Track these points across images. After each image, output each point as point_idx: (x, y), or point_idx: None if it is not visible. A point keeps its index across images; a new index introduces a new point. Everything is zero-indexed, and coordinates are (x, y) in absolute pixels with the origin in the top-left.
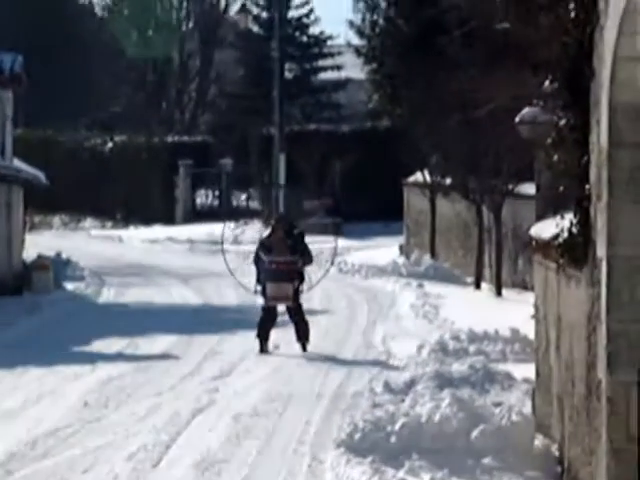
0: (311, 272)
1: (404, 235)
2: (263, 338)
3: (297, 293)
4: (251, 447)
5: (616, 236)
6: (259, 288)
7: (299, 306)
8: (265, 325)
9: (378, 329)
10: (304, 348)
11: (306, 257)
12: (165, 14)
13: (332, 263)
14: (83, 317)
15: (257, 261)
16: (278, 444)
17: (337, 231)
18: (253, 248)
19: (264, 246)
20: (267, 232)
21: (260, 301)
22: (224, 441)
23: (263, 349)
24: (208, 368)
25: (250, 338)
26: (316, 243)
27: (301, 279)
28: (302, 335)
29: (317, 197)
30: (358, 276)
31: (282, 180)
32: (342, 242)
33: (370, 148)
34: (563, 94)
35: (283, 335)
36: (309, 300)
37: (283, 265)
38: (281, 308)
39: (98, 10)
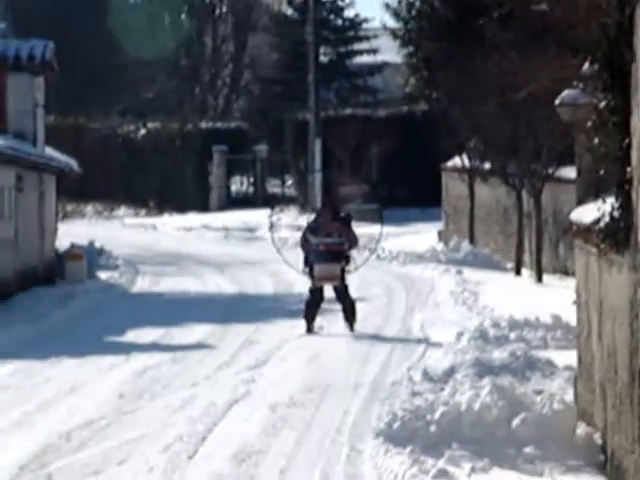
0: (355, 255)
1: (442, 221)
2: (310, 319)
3: (344, 274)
4: (288, 438)
5: None
6: (307, 270)
7: (346, 287)
8: (312, 306)
9: (417, 316)
10: (351, 328)
11: (352, 239)
12: None
13: (378, 244)
14: (117, 307)
15: (304, 244)
16: (316, 434)
17: (377, 217)
18: (289, 235)
19: (311, 229)
20: (314, 215)
21: (298, 288)
22: (261, 432)
23: (310, 329)
24: (244, 358)
25: (286, 327)
26: (357, 229)
27: (347, 260)
28: (349, 315)
29: (354, 183)
30: (396, 263)
31: (318, 166)
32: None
33: (407, 133)
34: (603, 76)
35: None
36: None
37: (330, 247)
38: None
39: None
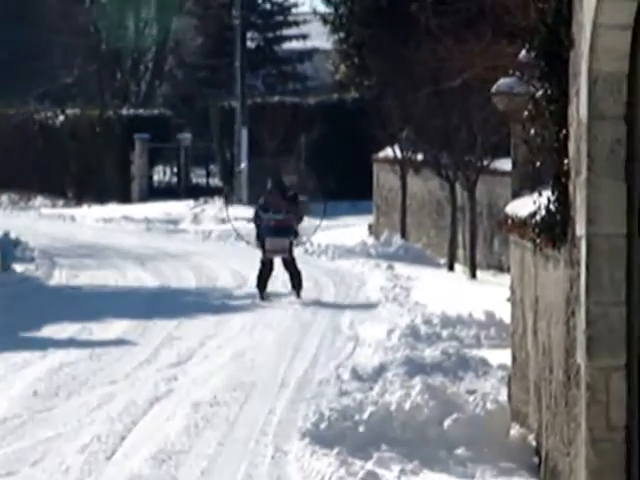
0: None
1: (373, 214)
2: (262, 288)
3: (291, 247)
4: (211, 438)
5: (596, 214)
6: (259, 243)
7: (293, 259)
8: (264, 275)
9: (346, 313)
10: (298, 295)
11: (299, 215)
12: None
13: (317, 229)
14: (33, 301)
15: (256, 219)
16: (239, 434)
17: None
18: (214, 228)
19: (262, 207)
20: (264, 194)
21: (222, 282)
22: (182, 431)
23: (263, 297)
24: (166, 354)
25: (210, 322)
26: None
27: (295, 234)
28: (296, 284)
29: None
30: (325, 257)
31: (244, 156)
32: (307, 221)
33: (337, 122)
34: (540, 64)
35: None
36: (272, 283)
37: (280, 222)
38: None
39: None
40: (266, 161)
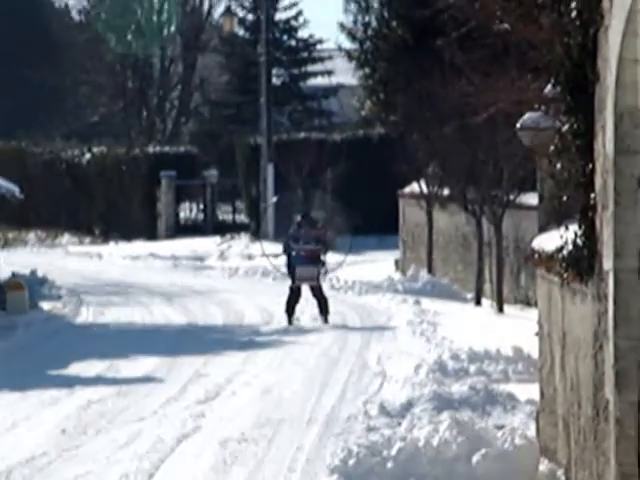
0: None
1: (400, 249)
2: (290, 313)
3: (319, 275)
4: (239, 475)
5: (623, 247)
6: (289, 271)
7: (320, 286)
8: (292, 302)
9: (373, 348)
10: (326, 320)
11: (327, 246)
12: (145, 18)
13: (347, 254)
14: (60, 338)
15: (286, 249)
16: (268, 472)
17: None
18: (240, 264)
19: (293, 237)
20: (294, 225)
21: (248, 319)
22: (210, 469)
23: (290, 322)
24: (193, 391)
25: (237, 359)
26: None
27: (322, 264)
28: (324, 310)
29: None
30: (351, 293)
31: (271, 192)
32: (334, 256)
33: (363, 158)
34: (566, 98)
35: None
36: (299, 318)
37: (309, 252)
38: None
39: (75, 14)
40: (293, 196)
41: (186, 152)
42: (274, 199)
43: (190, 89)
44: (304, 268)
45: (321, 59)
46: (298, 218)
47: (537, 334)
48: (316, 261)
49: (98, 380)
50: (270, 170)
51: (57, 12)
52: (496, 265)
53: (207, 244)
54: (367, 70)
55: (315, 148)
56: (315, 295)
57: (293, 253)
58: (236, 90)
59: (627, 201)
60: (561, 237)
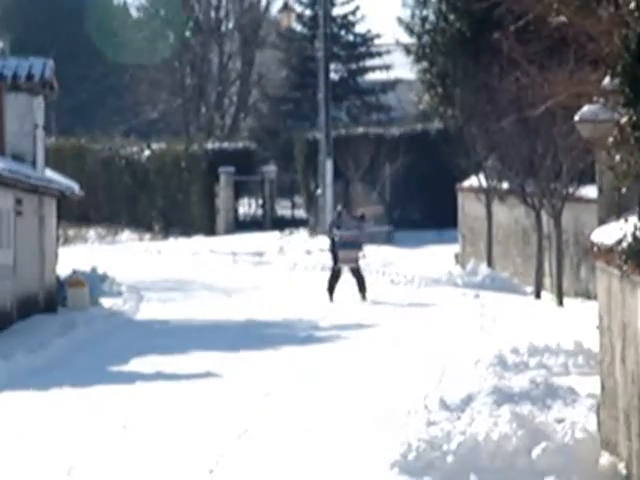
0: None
1: (459, 243)
2: (331, 291)
3: (358, 258)
4: (296, 470)
5: None
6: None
7: (359, 268)
8: (333, 282)
9: (432, 342)
10: (364, 297)
11: (365, 233)
12: (203, 14)
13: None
14: (121, 335)
15: (330, 234)
16: (327, 466)
17: (388, 240)
18: (299, 259)
19: (336, 224)
20: (336, 214)
21: (308, 314)
22: (271, 463)
23: (331, 299)
24: (252, 387)
25: (297, 353)
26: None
27: (361, 248)
28: (362, 289)
29: (367, 204)
30: (411, 287)
31: (329, 187)
32: (393, 251)
33: (422, 152)
34: (624, 90)
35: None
36: (359, 314)
37: (350, 237)
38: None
39: (133, 11)
40: (351, 190)
41: (244, 148)
42: (319, 191)
43: (248, 85)
44: (346, 252)
45: (379, 54)
46: (339, 208)
47: (597, 327)
48: (356, 245)
49: (158, 376)
50: (329, 165)
51: (116, 9)
52: (556, 258)
53: (266, 239)
54: (425, 64)
55: (373, 143)
56: (354, 275)
57: (336, 239)
58: (294, 85)
59: None
60: (620, 229)
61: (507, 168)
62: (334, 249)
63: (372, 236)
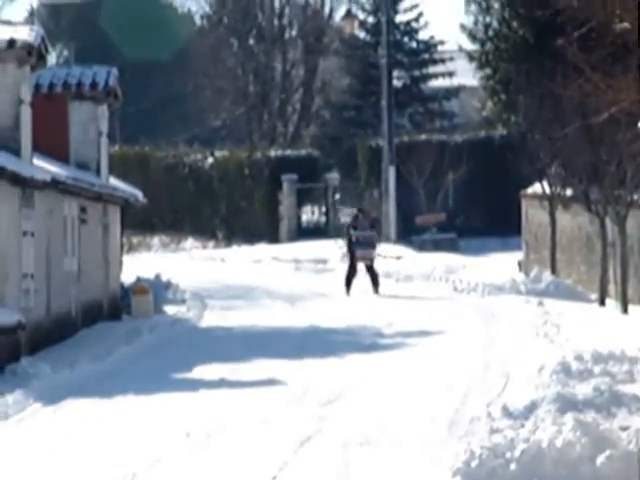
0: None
1: (523, 251)
2: (348, 286)
3: (373, 256)
4: (362, 478)
5: None
6: (348, 253)
7: (373, 264)
8: (350, 277)
9: (496, 349)
10: (376, 291)
11: (379, 234)
12: (267, 22)
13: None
14: (184, 342)
15: (347, 234)
16: (389, 473)
17: (453, 247)
18: (362, 267)
19: (353, 226)
20: (352, 217)
21: (371, 321)
22: (333, 472)
23: (348, 293)
24: (316, 394)
25: (360, 361)
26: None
27: (375, 247)
28: (375, 283)
29: (430, 212)
30: (474, 295)
31: (392, 194)
32: (457, 259)
33: (485, 159)
34: None
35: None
36: (424, 322)
37: (366, 237)
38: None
39: (197, 19)
40: (415, 198)
41: (307, 155)
42: (337, 196)
43: (311, 92)
44: (362, 250)
45: (442, 60)
46: (355, 211)
47: None
48: (371, 244)
49: (222, 383)
50: (392, 172)
51: (181, 17)
52: (620, 265)
53: (329, 247)
54: (488, 71)
55: (436, 150)
56: (369, 271)
57: (353, 239)
58: (357, 93)
59: None
60: None
61: (571, 175)
62: (351, 248)
63: (436, 243)
